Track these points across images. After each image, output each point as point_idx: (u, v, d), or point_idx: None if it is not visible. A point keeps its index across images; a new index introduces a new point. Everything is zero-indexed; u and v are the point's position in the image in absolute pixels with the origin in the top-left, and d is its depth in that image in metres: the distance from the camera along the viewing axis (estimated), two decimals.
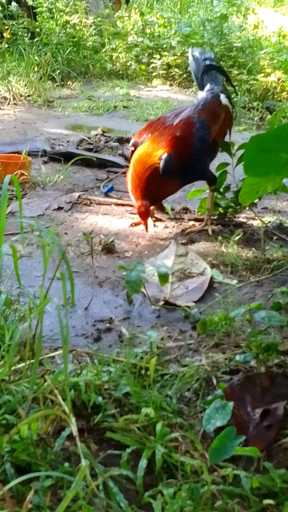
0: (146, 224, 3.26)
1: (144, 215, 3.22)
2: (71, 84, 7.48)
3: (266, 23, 8.92)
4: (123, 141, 5.16)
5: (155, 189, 3.20)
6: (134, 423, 1.76)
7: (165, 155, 3.14)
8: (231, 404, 1.80)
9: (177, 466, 1.64)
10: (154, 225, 3.43)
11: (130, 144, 3.38)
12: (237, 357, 2.07)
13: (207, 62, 3.55)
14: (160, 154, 3.14)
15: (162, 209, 3.60)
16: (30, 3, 8.04)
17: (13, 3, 7.87)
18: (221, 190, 3.46)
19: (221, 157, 3.46)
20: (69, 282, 1.91)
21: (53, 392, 1.78)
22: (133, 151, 3.29)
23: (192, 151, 3.25)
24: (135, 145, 3.29)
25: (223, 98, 3.46)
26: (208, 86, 3.53)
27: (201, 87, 3.59)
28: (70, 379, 1.85)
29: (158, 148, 3.16)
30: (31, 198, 3.69)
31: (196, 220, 3.52)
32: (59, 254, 1.81)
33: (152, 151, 3.17)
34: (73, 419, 1.63)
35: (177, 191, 3.42)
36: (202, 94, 3.53)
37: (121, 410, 1.83)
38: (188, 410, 1.89)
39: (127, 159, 4.59)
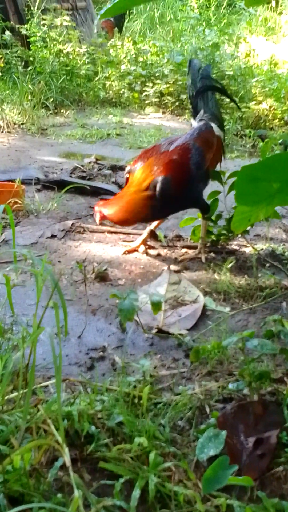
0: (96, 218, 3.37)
1: (99, 217, 3.34)
2: (64, 112, 7.53)
3: (258, 52, 9.00)
4: (116, 168, 5.19)
5: (140, 210, 3.24)
6: (127, 452, 1.76)
7: (162, 177, 3.17)
8: (224, 433, 1.81)
9: (171, 496, 1.64)
10: (147, 253, 3.44)
11: (125, 171, 3.40)
12: (230, 386, 2.08)
13: (203, 82, 3.57)
14: (155, 177, 3.17)
15: (155, 237, 3.61)
16: (24, 32, 8.11)
17: (7, 32, 7.94)
18: (213, 218, 3.47)
19: (213, 185, 3.48)
20: (62, 310, 1.92)
21: (46, 421, 1.78)
22: (127, 178, 3.32)
23: (189, 175, 3.27)
24: (130, 172, 3.32)
25: (215, 127, 3.49)
26: (201, 113, 3.55)
27: (195, 111, 3.61)
28: (63, 409, 1.85)
29: (154, 172, 3.19)
30: (25, 226, 3.70)
31: (188, 247, 3.54)
32: (52, 284, 1.82)
33: (147, 175, 3.20)
34: (66, 449, 1.63)
35: (158, 219, 3.48)
36: (194, 123, 3.56)
37: (114, 440, 1.83)
38: (181, 439, 1.89)
39: (121, 187, 4.62)
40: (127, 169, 3.38)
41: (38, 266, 2.03)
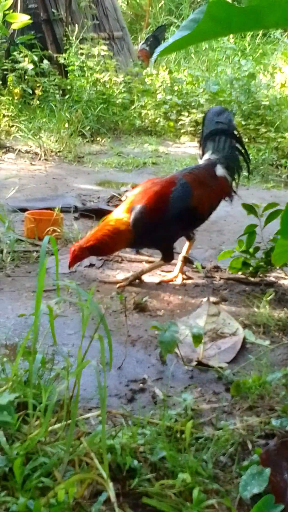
0: (70, 263, 3.33)
1: (78, 257, 3.32)
2: (100, 140, 7.59)
3: None
4: None
5: (110, 240, 3.29)
6: (170, 488, 1.75)
7: (138, 206, 3.24)
8: (267, 470, 1.79)
9: None
10: (184, 284, 3.45)
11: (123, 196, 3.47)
12: (274, 422, 2.06)
13: (219, 126, 3.58)
14: (134, 205, 3.26)
15: (189, 262, 3.62)
16: (61, 61, 8.23)
17: (45, 61, 8.06)
18: (251, 250, 3.47)
19: (248, 217, 3.49)
20: (102, 341, 1.92)
21: (88, 454, 1.79)
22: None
23: (165, 208, 3.30)
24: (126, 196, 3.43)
25: (219, 168, 3.48)
26: (207, 155, 3.56)
27: (202, 151, 3.62)
28: (106, 442, 1.84)
29: (135, 200, 3.28)
30: (63, 255, 3.72)
31: (227, 279, 3.53)
32: (98, 317, 1.83)
33: (131, 202, 3.30)
34: (111, 484, 1.63)
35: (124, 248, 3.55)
36: (200, 161, 3.60)
37: (156, 474, 1.82)
38: (223, 476, 1.88)
39: None
40: (125, 193, 3.44)
41: (80, 297, 2.04)
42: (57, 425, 1.92)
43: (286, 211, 1.85)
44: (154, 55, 1.46)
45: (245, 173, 6.18)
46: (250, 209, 3.47)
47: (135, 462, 1.82)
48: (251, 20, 1.25)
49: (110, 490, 1.61)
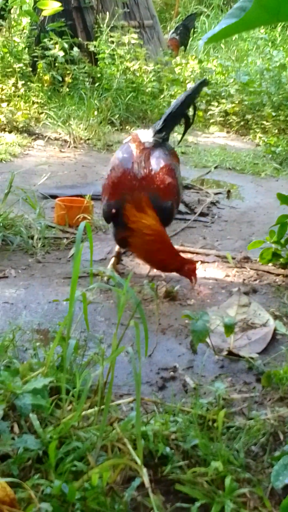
0: (196, 278, 3.14)
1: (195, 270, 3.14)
2: (129, 128, 7.57)
3: None
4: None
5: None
6: (203, 476, 1.75)
7: (169, 203, 3.15)
8: None
9: None
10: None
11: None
12: None
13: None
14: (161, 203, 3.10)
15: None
16: (92, 49, 8.22)
17: (75, 49, 8.05)
18: (282, 241, 3.46)
19: (280, 208, 3.48)
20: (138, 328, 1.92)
21: (121, 440, 1.79)
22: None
23: (179, 198, 3.31)
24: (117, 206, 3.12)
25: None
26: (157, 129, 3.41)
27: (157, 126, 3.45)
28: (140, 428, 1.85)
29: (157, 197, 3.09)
30: (94, 242, 3.70)
31: (257, 269, 3.52)
32: (133, 304, 1.84)
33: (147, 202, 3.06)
34: (145, 470, 1.63)
35: None
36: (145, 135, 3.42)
37: (188, 462, 1.82)
38: (255, 465, 1.88)
39: (187, 205, 4.63)
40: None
41: (113, 284, 2.04)
42: (90, 410, 1.93)
43: None
44: (201, 42, 1.45)
45: (274, 164, 6.17)
46: (284, 199, 3.44)
47: (168, 449, 1.83)
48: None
49: (144, 476, 1.62)
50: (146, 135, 3.37)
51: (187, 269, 3.07)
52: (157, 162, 3.19)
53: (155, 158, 3.21)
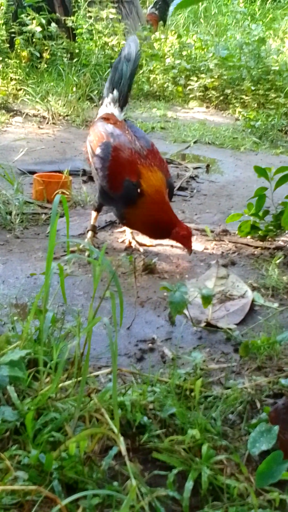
0: (191, 247, 3.09)
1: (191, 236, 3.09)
2: None
3: None
4: None
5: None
6: (180, 444, 1.76)
7: (171, 179, 3.19)
8: (276, 428, 1.80)
9: (223, 489, 1.64)
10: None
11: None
12: (282, 381, 2.07)
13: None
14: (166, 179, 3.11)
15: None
16: (69, 24, 8.15)
17: (53, 24, 7.98)
18: (260, 214, 3.47)
19: (259, 181, 3.47)
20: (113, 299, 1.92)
21: (99, 410, 1.80)
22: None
23: None
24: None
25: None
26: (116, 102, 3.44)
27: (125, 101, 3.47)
28: (116, 398, 1.86)
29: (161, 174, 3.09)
30: (72, 217, 3.73)
31: (236, 242, 3.52)
32: (109, 275, 1.84)
33: (159, 175, 3.07)
34: (122, 439, 1.64)
35: None
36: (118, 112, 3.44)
37: (166, 431, 1.83)
38: (232, 433, 1.89)
39: None
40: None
41: (90, 256, 2.04)
42: (68, 382, 1.94)
43: None
44: (171, 8, 1.44)
45: (253, 138, 6.18)
46: (261, 172, 3.45)
47: (145, 418, 1.84)
48: None
49: (121, 445, 1.63)
50: (116, 112, 3.37)
51: (182, 235, 3.04)
52: (145, 141, 3.20)
53: (139, 136, 3.22)
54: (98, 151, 3.15)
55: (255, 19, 11.56)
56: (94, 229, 3.39)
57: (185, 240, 3.04)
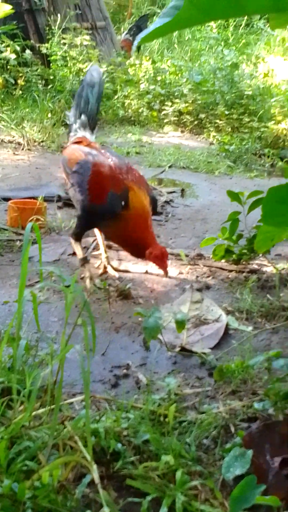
0: (166, 268, 3.04)
1: (165, 257, 3.04)
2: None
3: (276, 71, 9.04)
4: None
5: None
6: (154, 470, 1.76)
7: (153, 193, 3.21)
8: (250, 452, 1.81)
9: None
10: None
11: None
12: (256, 405, 2.08)
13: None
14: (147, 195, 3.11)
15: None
16: (44, 51, 8.20)
17: (28, 51, 8.03)
18: (234, 238, 3.50)
19: (232, 205, 3.51)
20: (85, 327, 1.93)
21: (73, 438, 1.80)
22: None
23: None
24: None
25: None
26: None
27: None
28: (90, 426, 1.85)
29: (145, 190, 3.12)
30: (47, 243, 3.73)
31: (210, 266, 3.54)
32: (81, 302, 1.84)
33: (143, 191, 3.10)
34: (95, 466, 1.64)
35: None
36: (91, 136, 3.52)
37: (140, 457, 1.83)
38: (207, 458, 1.89)
39: None
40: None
41: (63, 284, 2.05)
42: (41, 410, 1.93)
43: (267, 197, 1.87)
44: (135, 42, 1.46)
45: (228, 162, 6.22)
46: (234, 196, 3.48)
47: (119, 445, 1.84)
48: (233, 7, 1.26)
49: (94, 472, 1.63)
50: (87, 135, 3.43)
51: (155, 255, 3.01)
52: (120, 159, 3.21)
53: (115, 156, 3.24)
54: (76, 167, 3.18)
55: (229, 45, 11.69)
56: (86, 261, 3.34)
57: (160, 261, 3.02)
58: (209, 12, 1.32)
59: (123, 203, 3.00)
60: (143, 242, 3.03)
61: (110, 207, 3.02)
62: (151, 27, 1.37)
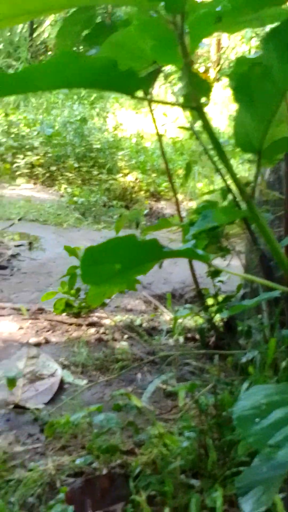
0: None
1: None
2: None
3: (126, 125, 9.33)
4: None
5: None
6: None
7: None
8: (71, 508, 1.84)
9: None
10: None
11: None
12: (77, 461, 2.12)
13: None
14: None
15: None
16: None
17: None
18: (73, 291, 3.56)
19: (73, 260, 3.59)
20: None
21: None
22: None
23: None
24: None
25: None
26: None
27: None
28: None
29: None
30: None
31: (52, 320, 3.59)
32: None
33: None
34: None
35: None
36: None
37: None
38: None
39: None
40: None
41: None
42: None
43: (83, 257, 1.93)
44: None
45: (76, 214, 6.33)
46: (71, 251, 3.56)
47: None
48: (23, 84, 1.32)
49: None
50: None
51: None
52: None
53: None
54: None
55: (81, 98, 11.91)
56: None
57: None
58: None
59: None
60: None
61: None
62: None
